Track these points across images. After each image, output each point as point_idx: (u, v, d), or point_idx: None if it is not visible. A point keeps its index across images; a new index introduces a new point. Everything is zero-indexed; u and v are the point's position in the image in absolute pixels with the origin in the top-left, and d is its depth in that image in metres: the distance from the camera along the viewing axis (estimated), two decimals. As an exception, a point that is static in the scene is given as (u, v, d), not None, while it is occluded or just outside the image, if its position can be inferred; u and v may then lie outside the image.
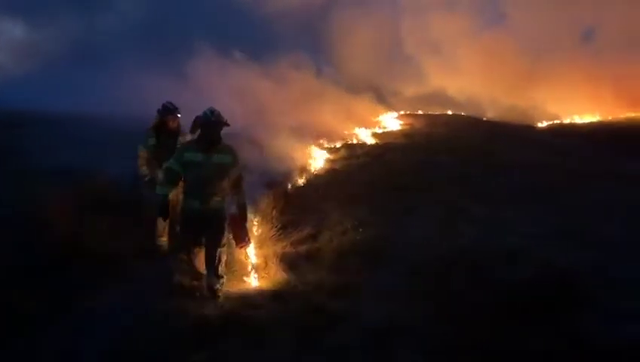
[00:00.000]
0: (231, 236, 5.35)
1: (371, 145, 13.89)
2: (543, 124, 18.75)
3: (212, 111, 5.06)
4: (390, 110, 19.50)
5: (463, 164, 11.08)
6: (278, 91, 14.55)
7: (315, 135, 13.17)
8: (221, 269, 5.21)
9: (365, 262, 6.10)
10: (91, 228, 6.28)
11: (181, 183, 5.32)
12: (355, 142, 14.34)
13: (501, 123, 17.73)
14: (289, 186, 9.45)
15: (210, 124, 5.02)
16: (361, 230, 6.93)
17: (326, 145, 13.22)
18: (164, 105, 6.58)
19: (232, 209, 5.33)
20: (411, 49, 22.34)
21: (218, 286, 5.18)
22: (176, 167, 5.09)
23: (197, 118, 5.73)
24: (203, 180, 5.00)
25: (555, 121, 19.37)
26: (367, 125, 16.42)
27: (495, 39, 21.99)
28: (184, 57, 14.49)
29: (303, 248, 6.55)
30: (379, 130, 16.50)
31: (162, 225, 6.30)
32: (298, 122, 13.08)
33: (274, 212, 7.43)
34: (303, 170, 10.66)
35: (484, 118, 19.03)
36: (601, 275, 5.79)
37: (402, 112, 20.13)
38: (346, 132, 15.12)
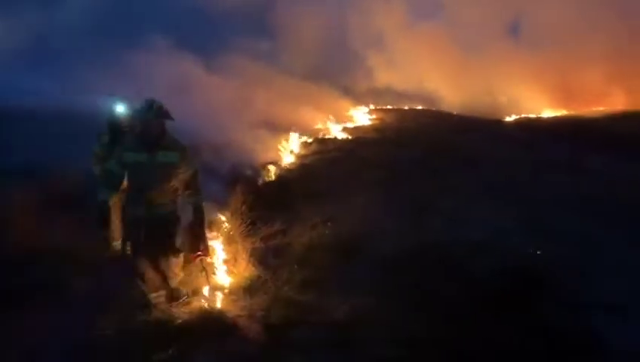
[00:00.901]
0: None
1: (342, 140, 13.92)
2: (510, 118, 19.09)
3: (150, 105, 4.43)
4: (360, 104, 19.54)
5: (431, 158, 11.20)
6: (241, 86, 14.38)
7: (286, 130, 13.10)
8: (175, 282, 4.82)
9: (335, 256, 6.11)
10: (53, 229, 6.06)
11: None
12: (326, 136, 14.34)
13: (469, 117, 17.97)
14: (259, 181, 9.39)
15: (149, 118, 4.43)
16: (330, 224, 6.95)
17: (297, 140, 13.18)
18: (119, 101, 6.15)
19: (188, 213, 4.79)
20: (355, 43, 22.18)
21: (180, 300, 4.82)
22: (116, 169, 4.56)
23: (134, 112, 5.10)
24: (147, 183, 4.47)
25: (522, 116, 19.74)
26: (338, 119, 16.43)
27: (433, 32, 22.05)
28: (138, 51, 14.16)
29: (272, 243, 6.52)
30: (350, 125, 16.53)
31: (115, 227, 5.80)
32: (268, 117, 12.99)
33: (243, 207, 7.37)
34: (274, 165, 10.61)
35: (454, 113, 19.26)
36: (566, 266, 5.94)
37: (373, 107, 20.21)
38: (317, 126, 15.11)
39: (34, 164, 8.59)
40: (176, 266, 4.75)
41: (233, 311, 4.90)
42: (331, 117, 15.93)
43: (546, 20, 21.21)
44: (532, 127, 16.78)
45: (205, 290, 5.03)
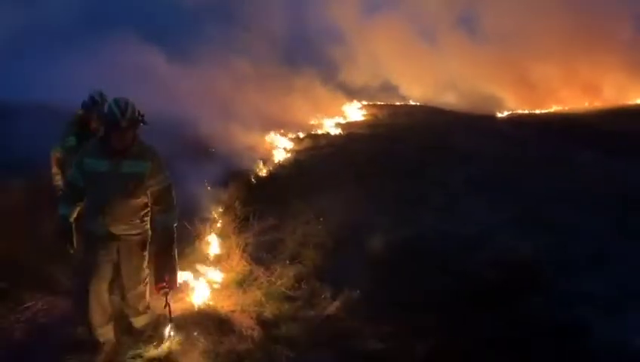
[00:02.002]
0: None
1: (335, 136, 13.95)
2: (502, 114, 19.16)
3: (119, 105, 3.61)
4: (353, 100, 19.54)
5: (423, 153, 11.25)
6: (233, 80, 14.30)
7: (279, 126, 13.11)
8: (144, 321, 4.20)
9: (327, 251, 6.16)
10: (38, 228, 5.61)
11: None
12: (318, 132, 14.36)
13: (462, 113, 18.02)
14: (252, 177, 9.41)
15: (117, 122, 3.59)
16: (322, 220, 6.98)
17: (290, 136, 13.19)
18: (90, 97, 5.29)
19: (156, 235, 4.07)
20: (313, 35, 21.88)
21: (148, 329, 4.20)
22: (76, 178, 3.85)
23: (98, 112, 4.20)
24: (108, 196, 3.74)
25: (515, 111, 19.82)
26: (330, 115, 16.45)
27: (390, 24, 21.82)
28: (115, 46, 13.91)
29: (265, 238, 6.55)
30: (342, 121, 16.55)
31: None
32: (260, 112, 12.99)
33: (236, 203, 7.40)
34: (267, 160, 10.62)
35: (447, 109, 19.29)
36: (556, 260, 6.03)
37: (365, 103, 20.22)
38: (310, 122, 15.12)
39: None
40: (144, 298, 4.09)
41: (226, 306, 4.93)
42: (320, 113, 15.95)
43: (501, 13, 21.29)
44: (524, 123, 16.85)
45: (166, 330, 4.22)
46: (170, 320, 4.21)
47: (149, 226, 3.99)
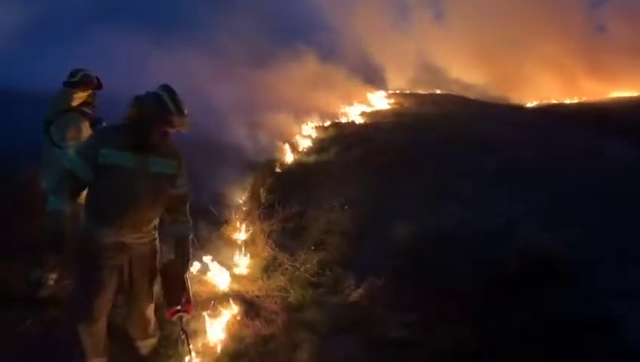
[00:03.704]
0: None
1: (360, 125, 13.90)
2: (531, 104, 18.86)
3: (175, 98, 3.13)
4: (379, 89, 19.44)
5: (449, 143, 11.14)
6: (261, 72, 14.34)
7: (305, 114, 13.14)
8: (151, 343, 3.62)
9: (350, 239, 6.18)
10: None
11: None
12: (343, 121, 14.34)
13: (489, 103, 17.79)
14: (277, 165, 9.46)
15: (169, 117, 3.11)
16: (346, 208, 6.99)
17: (315, 125, 13.21)
18: (87, 75, 4.57)
19: (169, 249, 3.59)
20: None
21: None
22: (84, 170, 3.14)
23: (140, 98, 3.25)
24: (129, 197, 3.17)
25: (544, 102, 19.49)
26: (356, 104, 16.39)
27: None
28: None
29: (290, 225, 6.60)
30: (367, 110, 16.49)
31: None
32: (286, 101, 13.02)
33: (262, 190, 7.46)
34: (292, 148, 10.67)
35: (473, 98, 19.07)
36: (582, 254, 5.91)
37: (391, 91, 20.10)
38: (335, 111, 15.09)
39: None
40: (154, 318, 3.55)
41: (251, 291, 5.00)
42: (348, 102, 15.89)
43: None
44: (553, 114, 16.55)
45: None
46: (189, 352, 3.62)
47: (157, 235, 3.47)
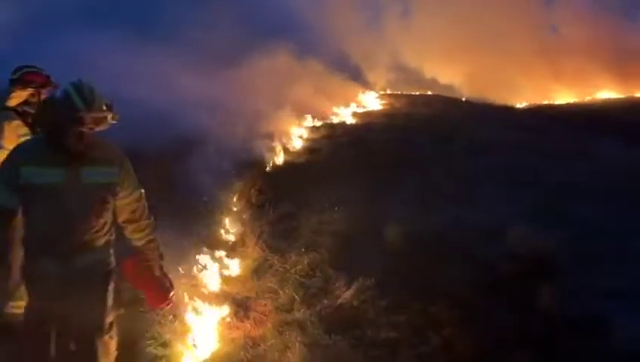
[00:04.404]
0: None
1: (351, 125, 13.90)
2: (521, 105, 18.95)
3: (82, 92, 2.63)
4: (370, 89, 19.43)
5: (441, 143, 11.15)
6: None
7: (295, 114, 13.10)
8: None
9: (342, 240, 6.15)
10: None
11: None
12: (335, 121, 14.32)
13: (480, 103, 17.83)
14: (268, 165, 9.44)
15: (78, 116, 2.62)
16: (337, 208, 6.98)
17: (306, 125, 13.18)
18: (28, 73, 4.20)
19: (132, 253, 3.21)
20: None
21: None
22: (7, 199, 2.72)
23: (50, 99, 3.00)
24: (65, 219, 2.73)
25: (534, 102, 19.60)
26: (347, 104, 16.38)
27: None
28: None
29: (280, 226, 6.58)
30: (359, 110, 16.48)
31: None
32: (277, 101, 12.98)
33: (252, 190, 7.43)
34: (282, 149, 10.64)
35: (464, 99, 19.12)
36: (572, 253, 5.93)
37: (382, 92, 20.11)
38: (326, 111, 15.07)
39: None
40: (111, 354, 3.00)
41: (241, 292, 4.98)
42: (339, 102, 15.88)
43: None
44: (544, 114, 16.63)
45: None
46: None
47: (112, 253, 3.02)
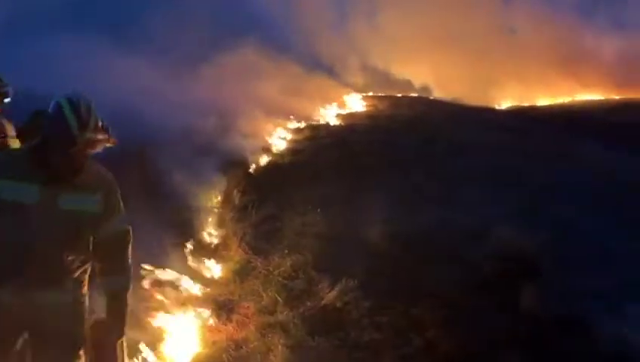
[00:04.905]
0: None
1: (335, 127, 13.89)
2: (503, 107, 19.14)
3: (77, 109, 2.29)
4: (354, 91, 19.46)
5: (424, 145, 11.19)
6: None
7: (279, 115, 13.06)
8: None
9: (325, 242, 6.12)
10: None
11: None
12: (318, 122, 14.31)
13: (462, 105, 17.97)
14: (251, 167, 9.38)
15: (71, 136, 2.27)
16: (321, 210, 6.94)
17: (289, 126, 13.15)
18: None
19: (100, 308, 2.70)
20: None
21: None
22: None
23: (41, 111, 2.70)
24: (27, 245, 2.35)
25: (515, 104, 19.82)
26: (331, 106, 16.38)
27: None
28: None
29: (263, 228, 6.53)
30: (343, 112, 16.49)
31: None
32: (261, 102, 12.93)
33: (235, 192, 7.37)
34: (266, 150, 10.59)
35: (446, 100, 19.25)
36: (556, 254, 5.97)
37: (365, 94, 20.16)
38: (310, 112, 15.05)
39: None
40: None
41: (224, 294, 4.92)
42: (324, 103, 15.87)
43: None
44: (525, 115, 16.83)
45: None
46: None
47: (87, 292, 2.59)
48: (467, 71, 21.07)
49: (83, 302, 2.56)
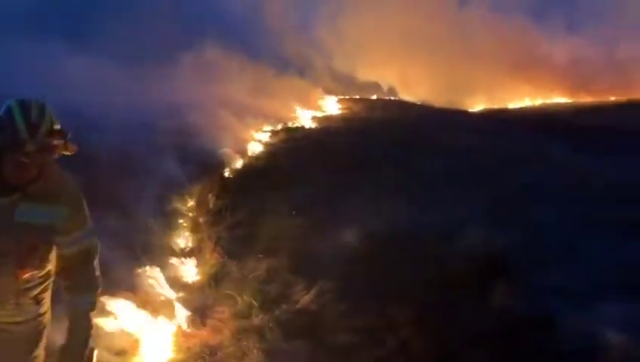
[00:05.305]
0: None
1: (310, 129, 13.92)
2: (475, 110, 19.44)
3: (27, 112, 2.03)
4: (324, 93, 19.52)
5: (398, 147, 11.29)
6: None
7: (254, 118, 13.03)
8: None
9: (300, 244, 6.13)
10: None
11: None
12: (294, 125, 14.32)
13: (436, 108, 18.20)
14: (226, 170, 9.33)
15: (20, 142, 2.01)
16: (295, 213, 6.95)
17: (265, 129, 13.13)
18: None
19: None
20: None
21: None
22: None
23: None
24: None
25: (487, 107, 20.15)
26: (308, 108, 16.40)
27: None
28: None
29: (238, 232, 6.50)
30: (318, 114, 16.53)
31: None
32: (236, 104, 12.88)
33: (209, 196, 7.32)
34: (241, 153, 10.55)
35: (420, 103, 19.48)
36: (527, 253, 6.10)
37: (343, 96, 20.26)
38: (286, 115, 15.04)
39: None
40: None
41: (198, 299, 4.88)
42: (299, 106, 15.89)
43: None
44: (496, 118, 17.12)
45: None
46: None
47: (48, 310, 2.39)
48: (429, 74, 21.35)
49: (42, 323, 2.35)
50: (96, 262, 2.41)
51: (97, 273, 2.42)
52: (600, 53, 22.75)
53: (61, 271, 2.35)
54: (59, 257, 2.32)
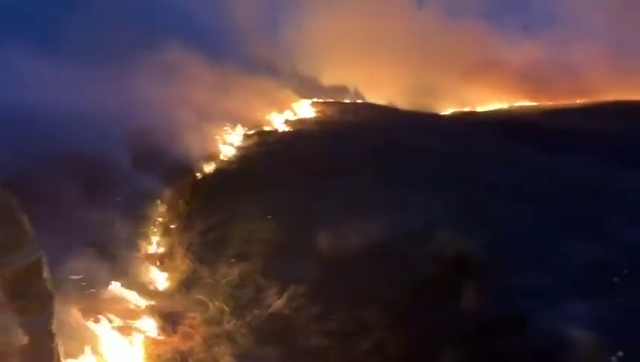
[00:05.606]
0: None
1: (283, 132, 13.87)
2: (446, 112, 19.69)
3: None
4: (300, 97, 19.50)
5: (371, 150, 11.33)
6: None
7: (226, 121, 12.91)
8: None
9: (274, 248, 6.09)
10: None
11: None
12: (267, 129, 14.25)
13: (407, 111, 18.36)
14: (197, 174, 9.22)
15: None
16: (269, 217, 6.91)
17: (236, 132, 13.02)
18: None
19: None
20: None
21: None
22: None
23: None
24: None
25: (457, 109, 20.43)
26: (279, 112, 16.33)
27: None
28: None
29: (210, 237, 6.42)
30: (292, 118, 16.49)
31: None
32: (206, 106, 12.73)
33: (180, 201, 7.22)
34: (212, 157, 10.43)
35: (392, 107, 19.61)
36: (497, 254, 6.17)
37: (315, 100, 20.25)
38: (257, 118, 14.94)
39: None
40: None
41: (169, 306, 4.81)
42: (272, 109, 15.81)
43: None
44: (466, 121, 17.37)
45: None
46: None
47: None
48: (393, 75, 21.46)
49: None
50: (45, 277, 2.22)
51: (48, 287, 2.24)
52: (554, 57, 23.20)
53: (8, 293, 2.16)
54: (3, 278, 2.14)
